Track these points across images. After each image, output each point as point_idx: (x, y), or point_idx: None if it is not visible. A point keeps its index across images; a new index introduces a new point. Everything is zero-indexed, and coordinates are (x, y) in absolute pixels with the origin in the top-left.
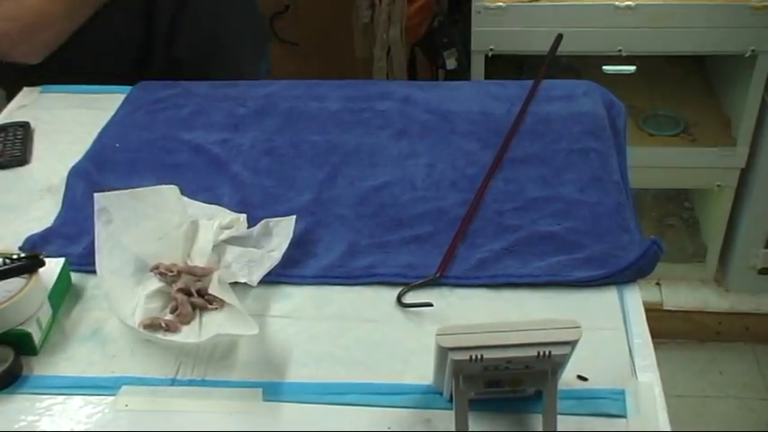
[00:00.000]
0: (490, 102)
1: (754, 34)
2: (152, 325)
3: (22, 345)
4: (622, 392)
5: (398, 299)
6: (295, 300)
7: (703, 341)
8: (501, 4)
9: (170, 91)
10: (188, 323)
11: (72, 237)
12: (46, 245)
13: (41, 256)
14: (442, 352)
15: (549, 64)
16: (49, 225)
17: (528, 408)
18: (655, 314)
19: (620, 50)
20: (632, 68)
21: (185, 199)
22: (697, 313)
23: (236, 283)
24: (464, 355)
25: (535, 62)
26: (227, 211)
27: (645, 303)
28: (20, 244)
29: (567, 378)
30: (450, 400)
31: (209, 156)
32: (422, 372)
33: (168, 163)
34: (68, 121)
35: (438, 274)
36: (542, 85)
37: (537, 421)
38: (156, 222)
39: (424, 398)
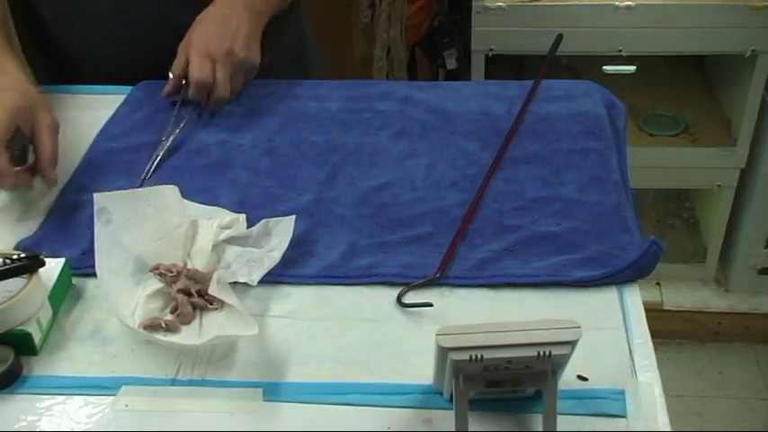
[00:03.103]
0: (490, 102)
1: (754, 34)
2: (152, 325)
3: (22, 345)
4: (622, 392)
5: (398, 299)
6: (295, 300)
7: (703, 341)
8: (501, 4)
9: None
10: (188, 323)
11: (64, 241)
12: (38, 249)
13: (42, 256)
14: (443, 352)
15: (549, 64)
16: (48, 225)
17: (528, 408)
18: (655, 314)
19: (620, 50)
20: (632, 68)
21: (185, 199)
22: (697, 313)
23: (235, 282)
24: (464, 355)
25: (535, 62)
26: (227, 211)
27: (645, 303)
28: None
29: (567, 378)
30: (451, 399)
31: (209, 156)
32: (422, 372)
33: (167, 163)
34: (68, 121)
35: (438, 274)
36: (542, 85)
37: (537, 421)
38: (155, 222)
39: (425, 398)
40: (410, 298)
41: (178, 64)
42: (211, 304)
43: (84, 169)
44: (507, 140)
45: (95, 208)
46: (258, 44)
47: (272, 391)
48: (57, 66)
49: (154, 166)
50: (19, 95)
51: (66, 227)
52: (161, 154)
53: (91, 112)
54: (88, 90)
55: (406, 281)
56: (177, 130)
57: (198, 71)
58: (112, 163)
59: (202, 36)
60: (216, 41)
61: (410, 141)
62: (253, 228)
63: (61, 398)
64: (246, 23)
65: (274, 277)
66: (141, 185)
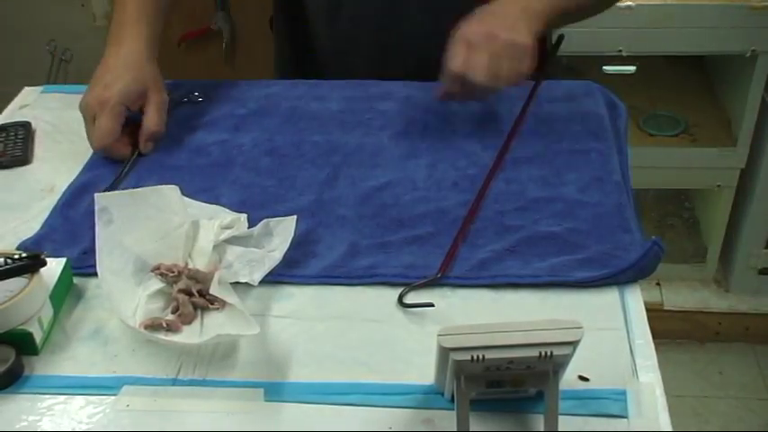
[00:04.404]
0: (491, 102)
1: (754, 34)
2: (153, 325)
3: (23, 344)
4: (623, 393)
5: (399, 299)
6: (296, 300)
7: (703, 341)
8: None
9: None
10: (189, 323)
11: (65, 241)
12: (39, 248)
13: (43, 256)
14: (444, 352)
15: (549, 64)
16: (50, 225)
17: (529, 408)
18: (655, 314)
19: (620, 50)
20: (632, 68)
21: (186, 199)
22: (697, 313)
23: (237, 282)
24: (466, 356)
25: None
26: (228, 210)
27: (645, 303)
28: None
29: (569, 378)
30: (452, 400)
31: (210, 156)
32: (423, 372)
33: (168, 163)
34: (70, 121)
35: (439, 275)
36: (543, 86)
37: (538, 421)
38: (156, 222)
39: (426, 398)
40: (411, 298)
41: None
42: (212, 304)
43: (86, 169)
44: (508, 141)
45: (96, 208)
46: (528, 29)
47: (274, 391)
48: (303, 61)
49: (129, 164)
50: (131, 78)
51: (68, 227)
52: (132, 159)
53: None
54: None
55: (407, 281)
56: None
57: (451, 59)
58: (114, 164)
59: (463, 30)
60: (476, 26)
61: (411, 141)
62: (254, 228)
63: (62, 398)
64: (516, 13)
65: (275, 277)
66: (117, 183)
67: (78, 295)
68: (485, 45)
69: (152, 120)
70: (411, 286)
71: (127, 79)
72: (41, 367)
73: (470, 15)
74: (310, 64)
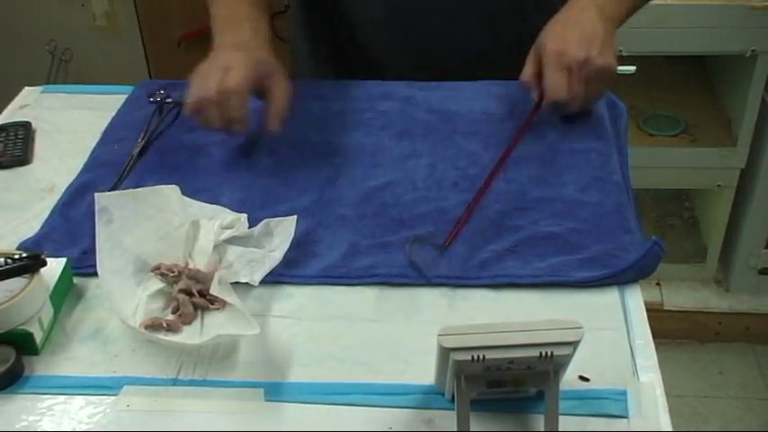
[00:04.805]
0: (492, 102)
1: (754, 34)
2: (153, 325)
3: (23, 344)
4: (624, 393)
5: (407, 251)
6: (296, 300)
7: (703, 341)
8: None
9: (171, 91)
10: (189, 323)
11: (65, 241)
12: (39, 248)
13: (43, 256)
14: (444, 352)
15: None
16: (50, 225)
17: (530, 408)
18: (655, 314)
19: (620, 50)
20: (632, 68)
21: (186, 199)
22: (697, 313)
23: (237, 282)
24: (466, 356)
25: None
26: (228, 210)
27: (645, 303)
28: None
29: (569, 378)
30: (452, 400)
31: (210, 156)
32: (423, 372)
33: (168, 163)
34: (70, 121)
35: (447, 243)
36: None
37: (538, 421)
38: (156, 222)
39: (426, 398)
40: (417, 294)
41: (528, 73)
42: (213, 304)
43: (86, 169)
44: (514, 143)
45: (97, 208)
46: (612, 46)
47: (274, 392)
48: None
49: (130, 165)
50: (264, 56)
51: (68, 227)
52: (136, 152)
53: (91, 112)
54: (89, 90)
55: (407, 281)
56: (149, 131)
57: (556, 89)
58: (114, 164)
59: (556, 44)
60: (573, 50)
61: (412, 141)
62: (254, 228)
63: (62, 398)
64: (601, 28)
65: (276, 277)
66: (118, 183)
67: (78, 295)
68: (582, 72)
69: (279, 98)
70: (421, 236)
71: (261, 55)
72: (41, 367)
73: (554, 21)
74: (332, 47)
